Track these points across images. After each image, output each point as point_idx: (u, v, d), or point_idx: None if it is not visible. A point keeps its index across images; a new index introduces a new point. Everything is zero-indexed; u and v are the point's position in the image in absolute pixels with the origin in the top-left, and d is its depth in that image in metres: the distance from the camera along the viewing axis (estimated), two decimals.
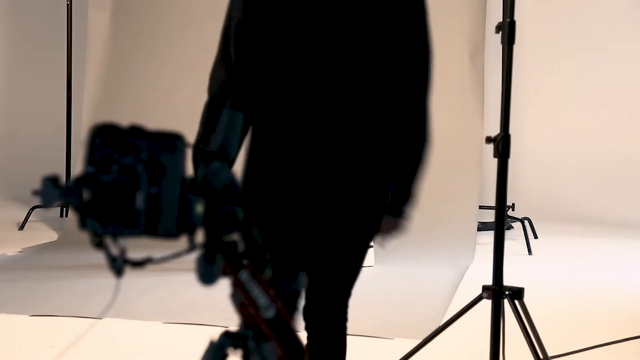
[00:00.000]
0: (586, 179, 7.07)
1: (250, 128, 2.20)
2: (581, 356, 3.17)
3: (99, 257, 1.45)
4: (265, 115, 2.17)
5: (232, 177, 1.25)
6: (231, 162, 1.27)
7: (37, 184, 1.23)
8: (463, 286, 4.53)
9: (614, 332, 3.62)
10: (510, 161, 2.71)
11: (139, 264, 1.24)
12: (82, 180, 1.20)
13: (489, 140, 2.68)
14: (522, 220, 5.86)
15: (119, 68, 6.31)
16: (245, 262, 1.26)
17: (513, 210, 6.16)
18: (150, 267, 1.27)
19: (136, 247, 1.53)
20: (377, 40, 2.17)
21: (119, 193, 1.19)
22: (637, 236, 6.23)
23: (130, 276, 1.66)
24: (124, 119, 1.37)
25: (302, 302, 2.29)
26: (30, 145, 8.22)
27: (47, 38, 8.25)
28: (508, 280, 2.72)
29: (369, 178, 2.21)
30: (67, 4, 6.70)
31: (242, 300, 1.26)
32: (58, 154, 7.13)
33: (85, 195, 1.20)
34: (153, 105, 6.20)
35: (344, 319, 2.32)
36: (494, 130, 2.79)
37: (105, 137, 1.21)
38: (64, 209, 6.66)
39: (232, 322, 1.33)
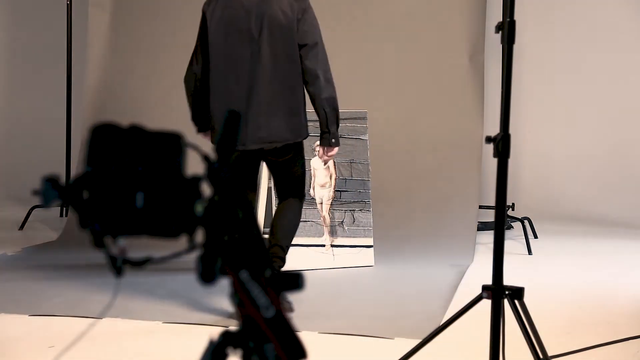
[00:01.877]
0: (586, 179, 7.07)
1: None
2: (581, 356, 3.17)
3: (99, 257, 1.45)
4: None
5: (232, 177, 1.25)
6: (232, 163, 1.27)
7: (37, 184, 1.23)
8: (463, 286, 4.53)
9: (614, 332, 3.62)
10: (510, 161, 2.71)
11: (139, 264, 1.24)
12: (82, 180, 1.20)
13: (489, 140, 2.67)
14: (522, 220, 5.86)
15: (119, 68, 6.31)
16: (244, 262, 1.26)
17: (513, 210, 6.16)
18: (150, 267, 1.27)
19: (136, 247, 1.54)
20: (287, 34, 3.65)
21: (119, 193, 1.19)
22: (637, 236, 6.23)
23: (130, 276, 1.67)
24: (124, 119, 1.37)
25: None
26: (30, 145, 8.22)
27: (47, 38, 8.25)
28: (508, 280, 2.72)
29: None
30: (67, 4, 6.70)
31: (241, 300, 1.27)
32: (58, 154, 7.13)
33: (85, 195, 1.20)
34: (153, 105, 6.20)
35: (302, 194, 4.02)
36: (494, 130, 2.79)
37: (105, 137, 1.21)
38: (64, 209, 6.66)
39: (232, 322, 1.33)
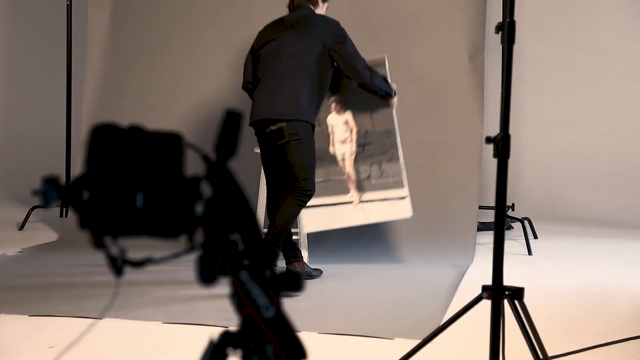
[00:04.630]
0: (586, 179, 7.08)
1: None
2: (581, 356, 3.17)
3: (99, 257, 1.45)
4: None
5: (233, 177, 1.25)
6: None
7: (37, 184, 1.23)
8: (463, 286, 4.53)
9: (614, 332, 3.62)
10: (510, 161, 2.71)
11: (139, 264, 1.24)
12: (82, 180, 1.20)
13: (489, 140, 2.67)
14: (522, 220, 5.86)
15: (119, 68, 6.31)
16: (245, 262, 1.26)
17: (513, 210, 6.16)
18: (150, 267, 1.27)
19: (136, 247, 1.54)
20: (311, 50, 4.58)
21: (119, 193, 1.19)
22: (637, 236, 6.23)
23: (130, 276, 1.67)
24: (124, 119, 1.37)
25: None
26: (30, 145, 8.22)
27: (47, 38, 8.25)
28: (508, 281, 2.72)
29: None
30: (67, 4, 6.70)
31: (241, 300, 1.27)
32: (58, 154, 7.14)
33: (85, 195, 1.20)
34: (153, 105, 6.20)
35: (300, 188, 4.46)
36: (494, 130, 2.79)
37: (105, 137, 1.21)
38: (64, 209, 6.66)
39: (232, 322, 1.33)
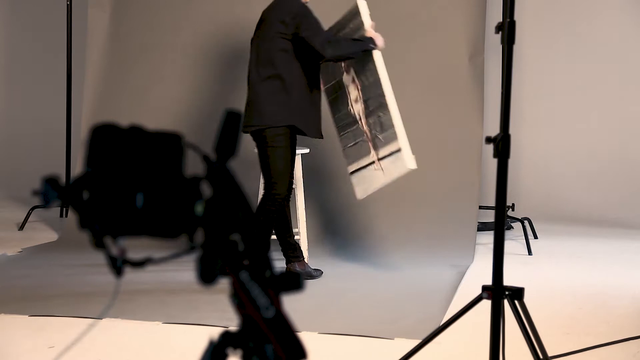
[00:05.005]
0: (586, 179, 7.07)
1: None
2: (581, 356, 3.17)
3: (99, 257, 1.45)
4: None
5: (233, 177, 1.25)
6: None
7: (37, 184, 1.23)
8: (463, 286, 4.53)
9: (614, 332, 3.62)
10: (510, 161, 2.72)
11: (139, 264, 1.24)
12: (82, 180, 1.20)
13: (488, 140, 2.67)
14: (522, 220, 5.86)
15: (119, 68, 6.31)
16: (245, 262, 1.26)
17: (513, 210, 6.16)
18: (150, 267, 1.27)
19: (136, 247, 1.54)
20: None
21: (119, 193, 1.19)
22: (637, 236, 6.23)
23: (130, 276, 1.67)
24: (124, 119, 1.38)
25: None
26: (30, 145, 8.22)
27: (47, 38, 8.25)
28: (508, 281, 2.73)
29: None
30: (67, 4, 6.70)
31: (241, 300, 1.27)
32: (58, 154, 7.14)
33: (85, 195, 1.20)
34: (153, 105, 6.20)
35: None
36: (494, 130, 2.79)
37: (105, 137, 1.21)
38: (64, 209, 6.66)
39: (232, 322, 1.33)
